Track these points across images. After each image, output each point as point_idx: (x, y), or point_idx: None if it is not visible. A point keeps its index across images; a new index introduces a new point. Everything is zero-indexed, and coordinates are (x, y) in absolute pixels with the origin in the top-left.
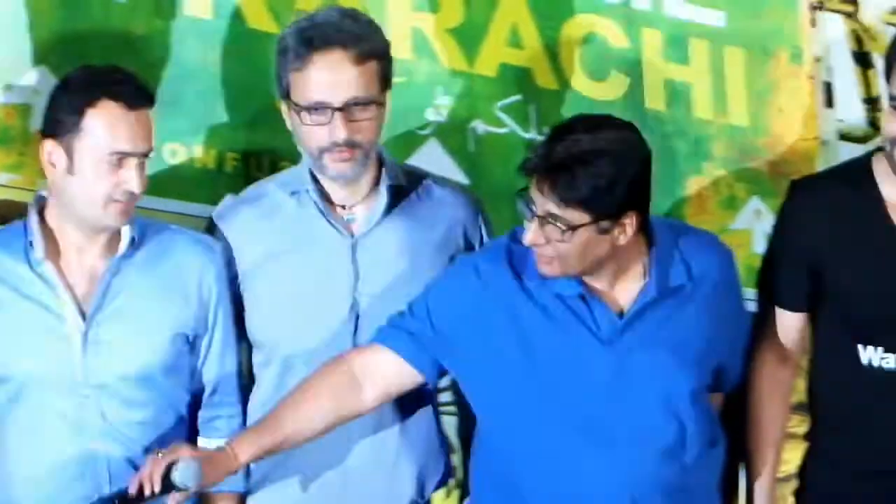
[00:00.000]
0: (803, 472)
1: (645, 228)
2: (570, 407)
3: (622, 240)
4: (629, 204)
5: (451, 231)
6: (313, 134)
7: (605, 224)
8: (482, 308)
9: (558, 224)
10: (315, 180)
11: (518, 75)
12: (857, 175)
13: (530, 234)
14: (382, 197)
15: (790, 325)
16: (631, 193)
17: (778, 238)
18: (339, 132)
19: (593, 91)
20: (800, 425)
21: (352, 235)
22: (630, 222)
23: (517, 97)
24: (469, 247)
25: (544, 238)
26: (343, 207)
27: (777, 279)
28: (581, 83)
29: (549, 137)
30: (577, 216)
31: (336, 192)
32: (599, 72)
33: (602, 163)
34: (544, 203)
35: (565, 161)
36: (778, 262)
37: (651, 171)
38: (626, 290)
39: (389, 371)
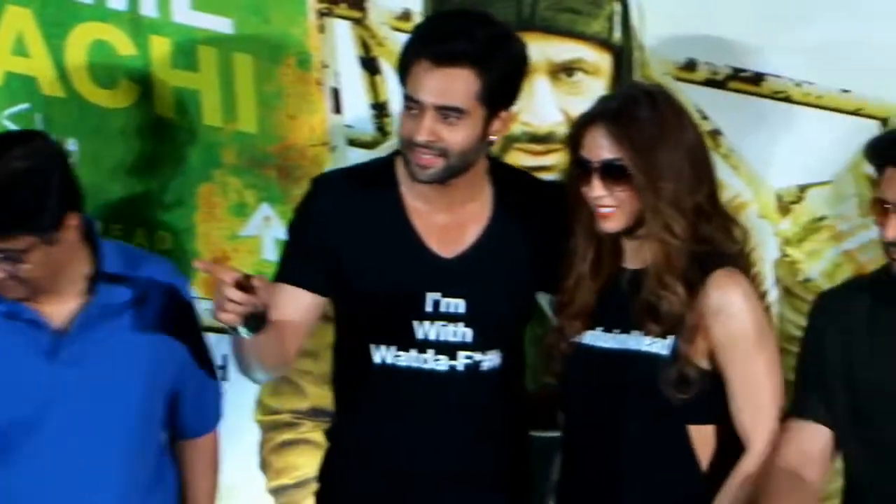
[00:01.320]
0: (323, 472)
1: (91, 240)
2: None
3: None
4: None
5: None
6: None
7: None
8: None
9: (13, 257)
10: None
11: (24, 84)
12: (379, 175)
13: None
14: None
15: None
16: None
17: (293, 235)
18: None
19: (103, 99)
20: (313, 431)
21: None
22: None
23: (25, 106)
24: None
25: None
26: None
27: (292, 277)
28: (89, 91)
29: None
30: (23, 242)
31: None
32: (108, 80)
33: (28, 183)
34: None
35: None
36: (292, 259)
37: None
38: (68, 306)
39: None
